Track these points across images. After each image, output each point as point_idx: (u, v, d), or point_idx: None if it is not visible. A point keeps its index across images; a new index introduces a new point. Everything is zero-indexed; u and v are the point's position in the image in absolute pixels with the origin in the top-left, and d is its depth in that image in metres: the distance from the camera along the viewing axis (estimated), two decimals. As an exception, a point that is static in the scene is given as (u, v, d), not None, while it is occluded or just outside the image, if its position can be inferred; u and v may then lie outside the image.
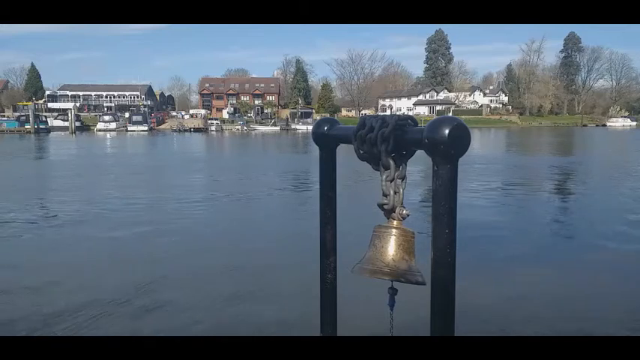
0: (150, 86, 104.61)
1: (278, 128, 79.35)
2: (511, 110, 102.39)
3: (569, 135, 58.44)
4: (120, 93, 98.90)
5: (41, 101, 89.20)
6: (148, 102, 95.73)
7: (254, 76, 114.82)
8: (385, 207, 1.29)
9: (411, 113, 53.97)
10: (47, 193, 14.20)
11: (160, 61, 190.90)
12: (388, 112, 63.23)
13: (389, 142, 1.22)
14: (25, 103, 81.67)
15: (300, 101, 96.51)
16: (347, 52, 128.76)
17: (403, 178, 1.27)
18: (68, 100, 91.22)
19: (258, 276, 6.12)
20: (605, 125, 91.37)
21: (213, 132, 71.05)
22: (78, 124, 68.02)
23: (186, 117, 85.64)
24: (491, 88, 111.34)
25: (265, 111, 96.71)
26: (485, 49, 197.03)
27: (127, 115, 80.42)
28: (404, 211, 1.28)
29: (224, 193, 13.20)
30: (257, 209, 11.00)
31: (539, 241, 8.07)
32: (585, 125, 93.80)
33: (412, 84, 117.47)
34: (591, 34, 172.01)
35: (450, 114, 60.82)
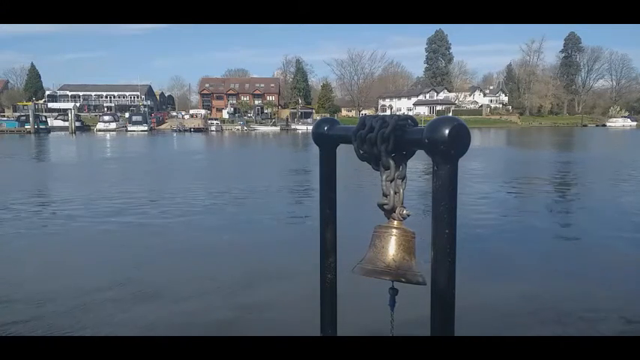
0: (150, 86, 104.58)
1: (278, 128, 79.36)
2: (511, 110, 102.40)
3: (573, 135, 58.39)
4: (120, 93, 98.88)
5: (41, 101, 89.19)
6: (148, 102, 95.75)
7: (254, 76, 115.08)
8: (385, 207, 1.29)
9: (411, 113, 54.00)
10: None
11: (160, 61, 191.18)
12: (388, 112, 63.21)
13: (389, 142, 1.22)
14: (25, 103, 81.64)
15: (300, 101, 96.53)
16: (347, 52, 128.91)
17: (403, 178, 1.27)
18: (68, 100, 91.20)
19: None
20: (605, 125, 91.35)
21: (213, 132, 71.05)
22: (78, 124, 68.01)
23: (187, 117, 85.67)
24: (491, 88, 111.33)
25: (265, 111, 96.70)
26: (485, 49, 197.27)
27: (126, 115, 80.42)
28: (404, 211, 1.28)
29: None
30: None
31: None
32: (585, 125, 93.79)
33: (412, 84, 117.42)
34: (591, 34, 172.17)
35: (450, 114, 60.90)
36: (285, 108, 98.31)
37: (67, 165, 24.23)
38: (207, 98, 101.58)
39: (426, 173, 13.40)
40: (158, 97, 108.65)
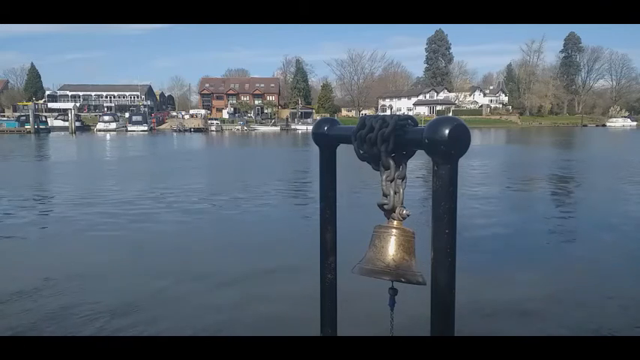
0: (150, 86, 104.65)
1: (278, 128, 79.33)
2: (511, 110, 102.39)
3: (574, 135, 58.32)
4: (120, 93, 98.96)
5: (41, 101, 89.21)
6: (148, 102, 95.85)
7: (254, 76, 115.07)
8: (385, 207, 1.29)
9: (411, 113, 53.88)
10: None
11: (160, 61, 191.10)
12: (388, 112, 63.22)
13: (389, 142, 1.22)
14: (25, 103, 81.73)
15: (300, 101, 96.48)
16: (347, 52, 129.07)
17: (403, 178, 1.27)
18: (68, 100, 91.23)
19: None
20: (605, 125, 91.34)
21: (213, 132, 71.05)
22: (78, 124, 67.94)
23: (187, 117, 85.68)
24: (491, 88, 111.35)
25: (265, 111, 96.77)
26: (485, 49, 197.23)
27: (126, 115, 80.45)
28: (404, 211, 1.28)
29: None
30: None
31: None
32: (585, 125, 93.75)
33: (412, 84, 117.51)
34: (591, 34, 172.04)
35: (450, 114, 60.88)
36: (285, 108, 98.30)
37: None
38: (207, 98, 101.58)
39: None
40: (158, 97, 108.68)
